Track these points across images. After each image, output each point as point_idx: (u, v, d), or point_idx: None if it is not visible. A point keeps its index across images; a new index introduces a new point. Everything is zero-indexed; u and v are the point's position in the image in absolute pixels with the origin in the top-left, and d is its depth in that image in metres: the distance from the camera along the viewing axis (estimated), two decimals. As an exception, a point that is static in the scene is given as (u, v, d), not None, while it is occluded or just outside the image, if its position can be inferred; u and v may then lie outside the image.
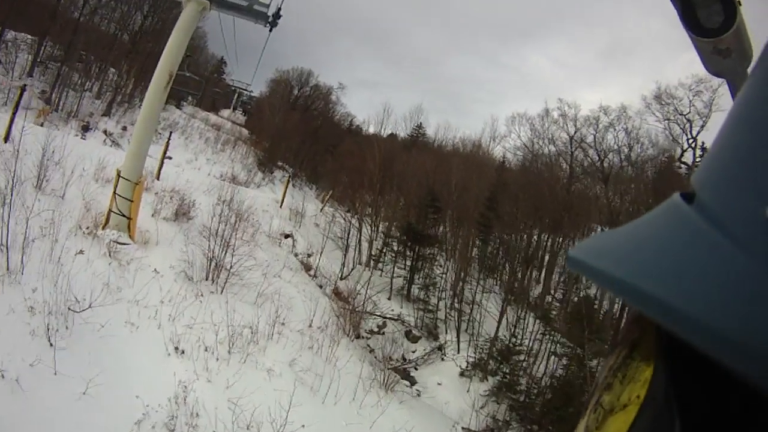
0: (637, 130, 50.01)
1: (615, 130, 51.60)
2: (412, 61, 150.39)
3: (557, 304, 37.42)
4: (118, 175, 19.82)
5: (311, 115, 72.90)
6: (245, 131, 66.67)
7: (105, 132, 43.91)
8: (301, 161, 65.37)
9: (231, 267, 21.90)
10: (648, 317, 0.44)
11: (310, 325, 22.89)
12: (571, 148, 53.58)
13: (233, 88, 79.80)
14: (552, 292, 39.62)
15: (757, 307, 0.32)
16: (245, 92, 79.63)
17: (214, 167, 48.92)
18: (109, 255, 18.80)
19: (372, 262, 40.33)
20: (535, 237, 45.35)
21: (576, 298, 36.58)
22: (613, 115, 51.80)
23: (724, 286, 0.35)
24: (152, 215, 24.13)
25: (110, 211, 20.10)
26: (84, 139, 38.87)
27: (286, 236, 36.22)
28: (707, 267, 0.38)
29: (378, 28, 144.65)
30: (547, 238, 45.49)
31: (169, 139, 35.60)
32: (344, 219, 41.88)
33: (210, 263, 21.53)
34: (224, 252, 22.26)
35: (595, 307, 33.59)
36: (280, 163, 60.99)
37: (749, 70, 0.45)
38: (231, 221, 24.75)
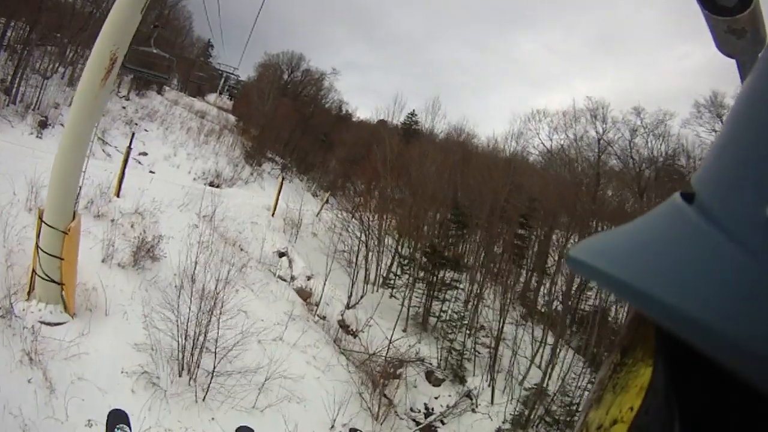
0: (678, 139, 43.80)
1: (646, 135, 44.96)
2: (397, 44, 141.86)
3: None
4: (40, 220, 12.78)
5: (302, 102, 66.14)
6: (232, 118, 59.51)
7: (64, 127, 35.88)
8: (291, 151, 58.80)
9: (216, 347, 15.45)
10: (648, 317, 0.45)
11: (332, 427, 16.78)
12: (599, 151, 45.85)
13: (220, 71, 73.59)
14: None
15: (757, 307, 0.32)
16: (232, 76, 73.30)
17: (196, 163, 42.06)
18: (29, 358, 12.36)
19: (382, 281, 34.21)
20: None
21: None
22: (648, 119, 44.76)
23: (725, 285, 0.35)
24: (102, 260, 17.50)
25: (34, 272, 13.38)
26: (40, 137, 31.71)
27: (281, 254, 29.48)
28: (707, 267, 0.37)
29: (363, 9, 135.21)
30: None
31: (130, 144, 27.41)
32: (347, 230, 34.98)
33: (184, 348, 14.96)
34: (207, 322, 15.53)
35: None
36: (269, 155, 54.26)
37: (761, 54, 0.40)
38: (215, 266, 17.91)
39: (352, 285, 29.74)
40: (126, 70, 33.18)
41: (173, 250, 19.48)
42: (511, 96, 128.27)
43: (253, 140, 53.01)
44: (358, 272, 31.13)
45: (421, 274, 31.99)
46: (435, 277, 31.39)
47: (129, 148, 24.84)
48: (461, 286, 32.27)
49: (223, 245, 22.54)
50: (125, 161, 24.32)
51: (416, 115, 79.47)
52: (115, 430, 5.09)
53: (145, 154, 38.77)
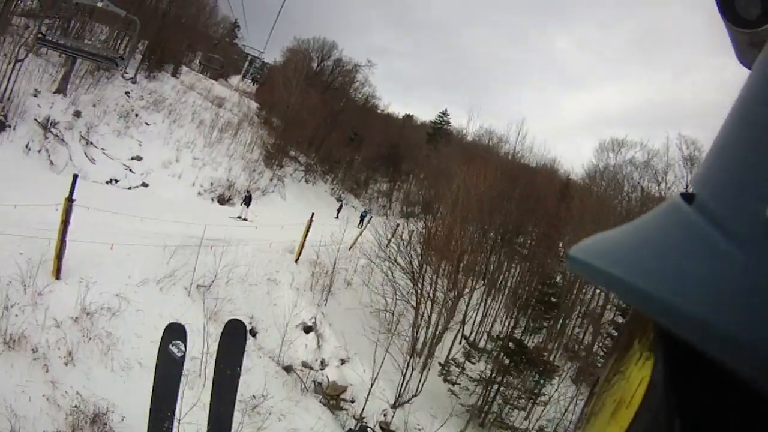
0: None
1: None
2: (428, 31, 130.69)
3: None
4: None
5: (331, 95, 55.91)
6: (254, 104, 49.68)
7: (40, 123, 26.01)
8: (317, 149, 49.48)
9: None
10: (648, 316, 0.44)
11: None
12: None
13: (245, 54, 63.89)
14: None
15: (757, 306, 0.31)
16: (257, 59, 63.57)
17: (203, 171, 32.32)
18: None
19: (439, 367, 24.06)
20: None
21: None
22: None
23: (724, 285, 0.34)
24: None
25: None
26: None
27: (307, 329, 20.51)
28: (707, 266, 0.36)
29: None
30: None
31: (71, 194, 13.97)
32: (394, 284, 24.88)
33: None
34: None
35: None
36: (292, 153, 44.65)
37: (760, 55, 0.43)
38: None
39: (404, 379, 19.93)
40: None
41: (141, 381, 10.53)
42: (542, 93, 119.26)
43: (276, 135, 43.64)
44: (412, 359, 20.91)
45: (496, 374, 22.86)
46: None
47: (69, 202, 13.97)
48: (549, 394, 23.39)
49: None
50: (64, 224, 13.84)
51: (447, 114, 72.07)
52: (170, 346, 4.61)
53: (138, 158, 29.15)
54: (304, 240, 23.41)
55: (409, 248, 25.79)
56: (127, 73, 34.31)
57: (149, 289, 15.49)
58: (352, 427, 10.59)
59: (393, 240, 28.29)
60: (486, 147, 69.37)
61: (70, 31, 30.28)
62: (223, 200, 31.76)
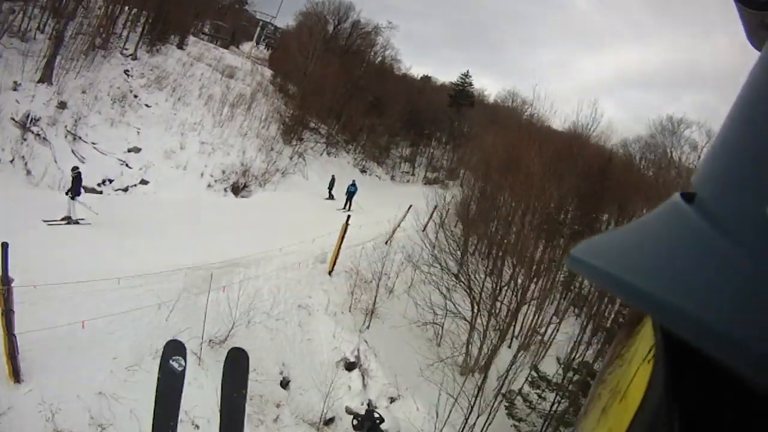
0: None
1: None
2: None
3: None
4: None
5: (351, 60, 50.39)
6: (268, 72, 44.10)
7: (17, 122, 21.45)
8: (337, 119, 44.35)
9: None
10: (648, 316, 0.45)
11: None
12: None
13: (256, 20, 57.99)
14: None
15: (757, 306, 0.30)
16: (269, 24, 58.15)
17: (214, 157, 27.39)
18: None
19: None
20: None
21: None
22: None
23: (724, 285, 0.33)
24: None
25: None
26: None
27: (349, 367, 16.27)
28: (707, 266, 0.36)
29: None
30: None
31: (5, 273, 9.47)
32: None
33: None
34: None
35: None
36: (312, 124, 39.70)
37: (761, 53, 0.43)
38: None
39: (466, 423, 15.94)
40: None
41: None
42: (560, 53, 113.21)
43: (294, 105, 38.59)
44: (477, 401, 16.47)
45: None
46: None
47: (5, 286, 9.16)
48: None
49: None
50: (5, 315, 9.33)
51: (470, 76, 66.02)
52: (171, 361, 4.55)
53: (136, 150, 24.39)
54: (339, 247, 18.80)
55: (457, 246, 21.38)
56: (126, 48, 29.76)
57: (145, 371, 10.86)
58: (358, 412, 8.80)
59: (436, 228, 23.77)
60: (509, 109, 65.01)
61: (63, 8, 25.83)
62: (238, 189, 27.28)
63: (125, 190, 22.44)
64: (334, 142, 41.94)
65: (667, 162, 41.24)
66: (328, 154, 39.91)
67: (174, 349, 4.92)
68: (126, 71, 28.23)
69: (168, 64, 31.57)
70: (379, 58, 55.20)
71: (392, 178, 51.22)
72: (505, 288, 21.85)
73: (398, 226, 25.25)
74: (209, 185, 25.81)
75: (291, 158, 32.79)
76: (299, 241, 18.68)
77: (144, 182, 23.09)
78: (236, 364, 4.98)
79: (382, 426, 8.32)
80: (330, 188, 30.91)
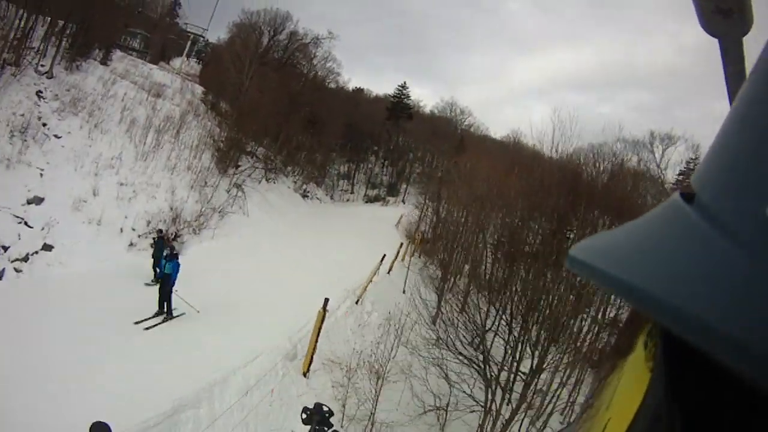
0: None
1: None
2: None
3: None
4: None
5: (289, 75, 46.24)
6: (199, 89, 39.24)
7: None
8: (274, 138, 40.11)
9: None
10: (648, 316, 0.44)
11: None
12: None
13: (188, 32, 52.66)
14: None
15: (757, 306, 0.30)
16: (200, 38, 52.87)
17: (134, 205, 21.99)
18: None
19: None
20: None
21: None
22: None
23: (724, 285, 0.33)
24: None
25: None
26: None
27: None
28: (707, 267, 0.35)
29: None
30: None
31: None
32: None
33: None
34: None
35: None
36: (249, 147, 35.24)
37: (760, 53, 0.44)
38: None
39: None
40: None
41: None
42: (494, 58, 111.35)
43: (228, 126, 33.68)
44: None
45: None
46: None
47: None
48: None
49: None
50: None
51: (407, 87, 65.51)
52: None
53: (38, 201, 18.47)
54: (316, 341, 14.52)
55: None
56: (42, 65, 24.60)
57: None
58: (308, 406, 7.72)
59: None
60: (447, 120, 62.32)
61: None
62: (167, 241, 20.69)
63: (25, 259, 16.58)
64: (272, 167, 37.20)
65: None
66: (267, 180, 35.29)
67: (100, 430, 4.54)
68: (39, 92, 23.09)
69: (87, 82, 26.42)
70: (319, 71, 51.03)
71: (332, 197, 47.20)
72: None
73: (370, 280, 21.17)
74: (131, 243, 20.39)
75: (228, 191, 27.83)
76: (260, 332, 14.34)
77: (47, 247, 17.38)
78: None
79: (332, 419, 7.67)
80: (155, 264, 17.59)
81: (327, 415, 7.22)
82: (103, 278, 16.14)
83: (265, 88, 36.87)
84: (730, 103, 0.51)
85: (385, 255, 22.46)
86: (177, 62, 49.52)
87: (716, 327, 0.29)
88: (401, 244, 29.44)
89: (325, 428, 7.19)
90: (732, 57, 0.93)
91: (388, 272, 25.38)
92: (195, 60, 54.47)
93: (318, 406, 7.29)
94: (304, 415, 7.20)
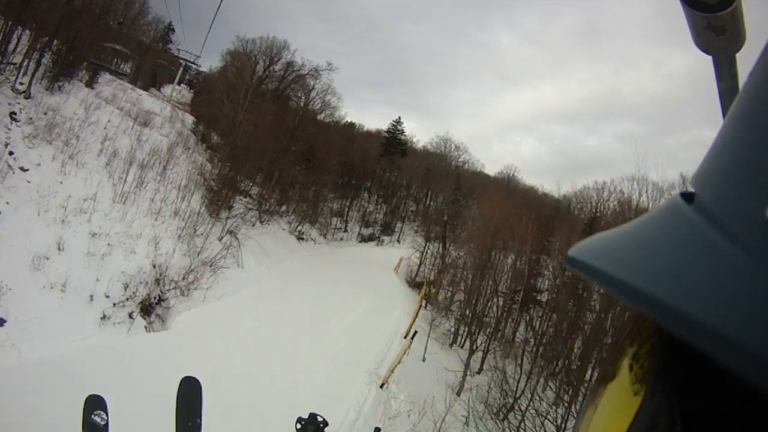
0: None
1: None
2: (359, 23, 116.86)
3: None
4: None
5: (286, 108, 42.09)
6: (189, 119, 35.79)
7: None
8: (268, 175, 35.92)
9: None
10: (647, 317, 0.43)
11: None
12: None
13: (180, 58, 47.03)
14: None
15: (757, 307, 0.29)
16: (193, 65, 47.30)
17: (109, 262, 16.49)
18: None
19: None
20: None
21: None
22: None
23: (724, 285, 0.32)
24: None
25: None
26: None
27: None
28: (707, 267, 0.34)
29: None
30: None
31: None
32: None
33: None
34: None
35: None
36: (242, 185, 31.14)
37: (760, 53, 0.45)
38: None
39: None
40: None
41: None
42: (483, 92, 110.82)
43: (221, 162, 29.42)
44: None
45: None
46: None
47: None
48: None
49: None
50: None
51: (401, 123, 64.04)
52: (92, 416, 3.75)
53: None
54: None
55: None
56: (21, 83, 20.72)
57: None
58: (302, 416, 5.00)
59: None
60: (440, 156, 59.45)
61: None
62: (149, 310, 16.38)
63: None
64: (267, 209, 32.90)
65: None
66: (261, 222, 30.74)
67: (94, 403, 3.85)
68: (12, 114, 18.84)
69: (68, 105, 22.12)
70: (317, 104, 47.05)
71: (325, 236, 42.98)
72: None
73: (399, 361, 17.14)
74: (104, 317, 14.80)
75: (221, 239, 23.26)
76: None
77: (-1, 322, 12.33)
78: (189, 394, 3.96)
79: (326, 430, 5.25)
80: None
81: (322, 425, 5.39)
82: (66, 371, 11.16)
83: (261, 122, 32.88)
84: (724, 118, 0.50)
85: (416, 333, 18.44)
86: (168, 89, 46.05)
87: (716, 327, 0.29)
88: (420, 304, 25.63)
89: None
90: (725, 73, 0.87)
91: (405, 336, 21.44)
92: (186, 87, 51.44)
93: (312, 416, 5.26)
94: (299, 425, 5.28)
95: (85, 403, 4.04)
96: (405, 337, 21.30)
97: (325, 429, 5.34)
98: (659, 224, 0.44)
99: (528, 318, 28.85)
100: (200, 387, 4.21)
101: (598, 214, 38.76)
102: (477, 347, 22.97)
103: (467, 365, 21.05)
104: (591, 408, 0.52)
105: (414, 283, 36.27)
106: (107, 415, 4.01)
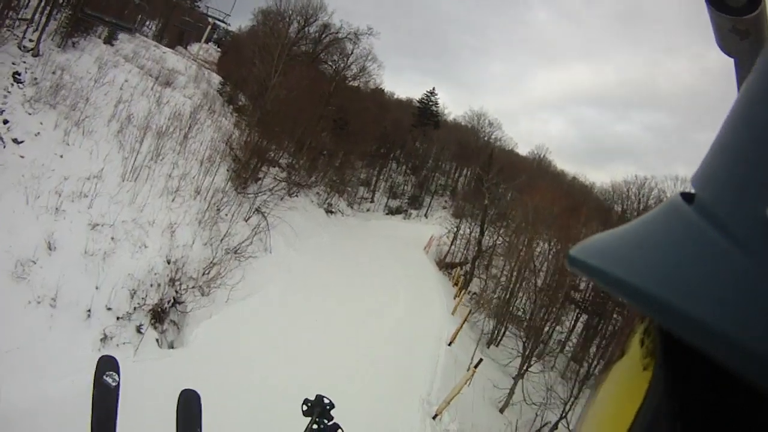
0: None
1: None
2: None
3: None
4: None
5: (320, 71, 38.43)
6: (216, 78, 32.36)
7: None
8: (300, 144, 31.39)
9: None
10: (648, 317, 0.43)
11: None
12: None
13: (209, 16, 43.83)
14: None
15: (757, 307, 0.29)
16: (222, 23, 44.24)
17: (111, 263, 12.18)
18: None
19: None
20: None
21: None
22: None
23: (724, 285, 0.31)
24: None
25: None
26: None
27: None
28: (707, 267, 0.34)
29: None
30: None
31: None
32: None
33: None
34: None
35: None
36: (271, 154, 26.70)
37: (761, 53, 0.47)
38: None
39: None
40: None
41: None
42: (515, 68, 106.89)
43: (249, 128, 25.31)
44: None
45: None
46: None
47: None
48: None
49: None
50: None
51: (435, 94, 58.74)
52: (104, 376, 3.45)
53: None
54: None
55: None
56: (31, 40, 17.53)
57: None
58: (309, 398, 4.55)
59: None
60: (474, 131, 57.42)
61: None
62: (161, 317, 12.31)
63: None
64: (296, 180, 29.48)
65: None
66: (290, 194, 27.23)
67: (107, 364, 3.54)
68: (16, 74, 15.48)
69: (80, 64, 18.66)
70: (355, 70, 42.80)
71: (351, 206, 39.76)
72: None
73: (459, 390, 13.80)
74: (104, 337, 10.51)
75: (247, 220, 19.71)
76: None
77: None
78: (189, 407, 3.64)
79: (333, 412, 4.95)
80: None
81: (328, 407, 4.56)
82: (58, 419, 7.25)
83: (296, 86, 29.04)
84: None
85: (480, 361, 15.14)
86: (195, 47, 42.70)
87: (716, 327, 0.29)
88: (469, 311, 22.32)
89: (326, 420, 4.43)
90: (746, 77, 0.78)
91: (449, 344, 18.23)
92: (214, 46, 48.13)
93: (319, 397, 4.65)
94: (305, 407, 4.48)
95: (98, 363, 3.64)
96: (449, 344, 18.15)
97: (332, 411, 4.97)
98: (659, 224, 0.43)
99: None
100: (200, 399, 3.79)
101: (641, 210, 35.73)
102: (530, 365, 19.64)
103: (513, 389, 18.08)
104: (601, 387, 0.51)
105: (443, 264, 33.79)
106: (119, 376, 3.59)
